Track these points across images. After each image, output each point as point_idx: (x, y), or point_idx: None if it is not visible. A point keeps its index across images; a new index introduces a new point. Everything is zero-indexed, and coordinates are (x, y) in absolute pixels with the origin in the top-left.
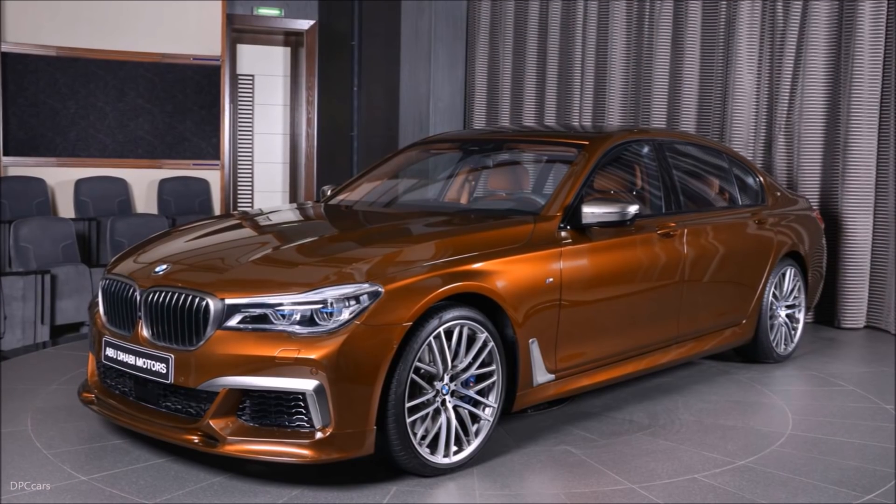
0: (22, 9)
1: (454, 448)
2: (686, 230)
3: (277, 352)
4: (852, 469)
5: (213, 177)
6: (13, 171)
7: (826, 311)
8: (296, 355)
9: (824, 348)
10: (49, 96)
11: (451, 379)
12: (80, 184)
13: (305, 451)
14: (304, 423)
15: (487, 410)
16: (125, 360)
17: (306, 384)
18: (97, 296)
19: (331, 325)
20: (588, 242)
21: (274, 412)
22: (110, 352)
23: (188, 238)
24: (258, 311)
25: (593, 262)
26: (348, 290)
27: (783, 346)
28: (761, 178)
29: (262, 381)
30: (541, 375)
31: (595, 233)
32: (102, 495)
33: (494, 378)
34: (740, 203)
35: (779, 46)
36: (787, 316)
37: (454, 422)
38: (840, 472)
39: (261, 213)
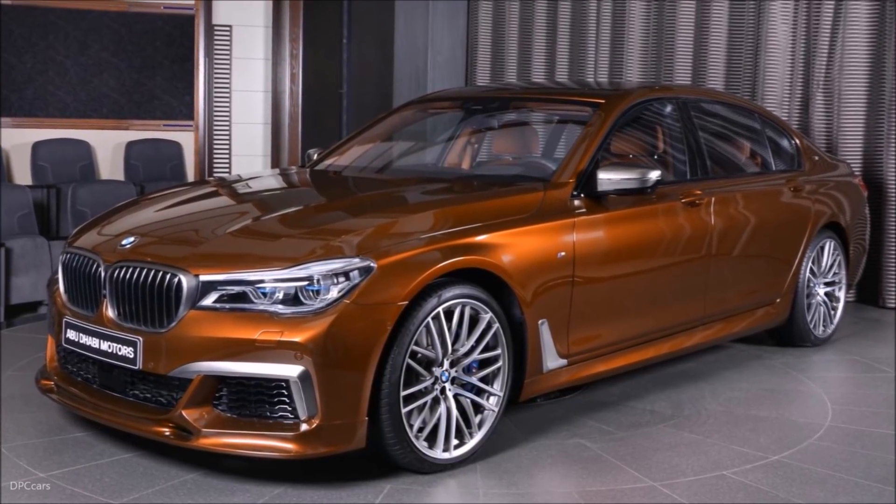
0: None
1: (455, 441)
2: (713, 199)
3: (258, 334)
4: None
5: (186, 139)
6: None
7: (869, 289)
8: (278, 338)
9: (867, 330)
10: (2, 49)
11: (452, 364)
12: (37, 147)
13: (289, 445)
14: (288, 414)
15: (492, 399)
16: (88, 344)
17: (290, 370)
18: (57, 272)
19: (317, 304)
20: (604, 212)
21: (254, 401)
22: (71, 334)
23: (158, 207)
24: (236, 288)
25: (610, 235)
26: (337, 265)
27: (821, 328)
28: (797, 141)
29: (241, 367)
30: (551, 361)
31: (612, 201)
32: (63, 494)
33: (500, 363)
34: (774, 168)
35: None
36: (826, 294)
37: (455, 412)
38: (884, 468)
39: (239, 180)
